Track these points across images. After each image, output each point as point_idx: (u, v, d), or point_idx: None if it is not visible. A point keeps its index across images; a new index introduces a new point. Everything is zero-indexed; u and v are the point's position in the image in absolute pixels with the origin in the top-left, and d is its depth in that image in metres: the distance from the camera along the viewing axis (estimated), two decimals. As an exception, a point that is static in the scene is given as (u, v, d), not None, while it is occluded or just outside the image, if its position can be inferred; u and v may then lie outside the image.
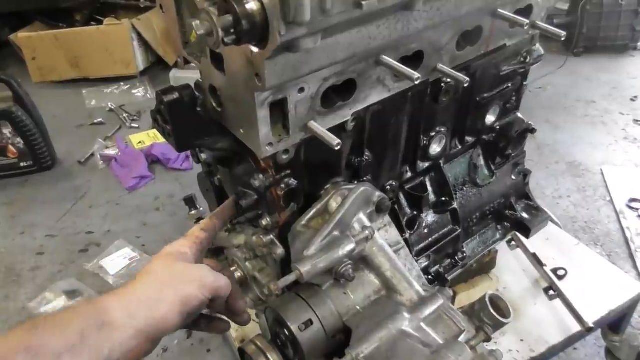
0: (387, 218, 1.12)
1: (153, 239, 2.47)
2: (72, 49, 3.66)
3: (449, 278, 1.38)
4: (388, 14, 0.83)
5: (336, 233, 1.00)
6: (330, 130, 0.95)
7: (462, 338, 0.92)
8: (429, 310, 0.97)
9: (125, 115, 3.45)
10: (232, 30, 0.67)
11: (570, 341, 1.53)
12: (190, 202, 1.38)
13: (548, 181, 2.85)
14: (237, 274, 1.23)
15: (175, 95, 0.86)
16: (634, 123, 3.35)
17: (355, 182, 1.13)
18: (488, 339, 0.93)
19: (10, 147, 2.78)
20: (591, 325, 1.43)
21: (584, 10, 3.97)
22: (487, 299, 0.98)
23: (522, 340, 1.50)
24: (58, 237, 2.51)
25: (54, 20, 3.79)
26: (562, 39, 1.15)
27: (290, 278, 0.92)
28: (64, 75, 3.79)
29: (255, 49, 0.74)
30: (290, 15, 0.65)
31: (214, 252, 1.39)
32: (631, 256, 2.34)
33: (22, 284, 2.28)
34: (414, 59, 1.02)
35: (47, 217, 2.63)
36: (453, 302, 1.59)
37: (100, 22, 3.76)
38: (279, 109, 0.88)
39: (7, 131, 2.74)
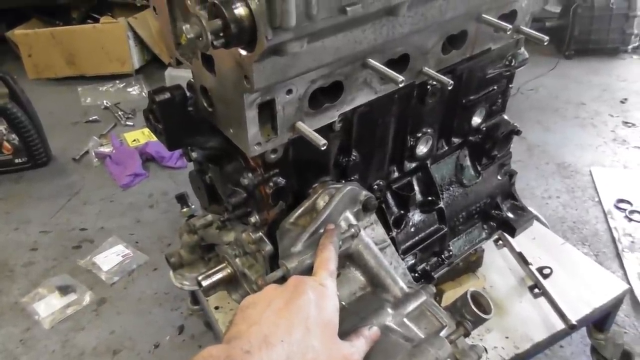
0: (373, 217, 1.15)
1: (146, 235, 2.49)
2: (68, 46, 3.67)
3: (436, 276, 1.41)
4: (373, 19, 0.86)
5: (322, 230, 1.03)
6: (318, 130, 0.98)
7: (443, 333, 0.95)
8: (412, 306, 1.00)
9: (120, 113, 3.46)
10: (221, 34, 0.70)
11: (555, 339, 1.57)
12: (182, 199, 1.41)
13: (538, 182, 2.89)
14: (227, 271, 1.27)
15: (167, 95, 0.88)
16: (623, 125, 3.39)
17: (343, 182, 1.16)
18: (467, 334, 0.95)
19: (5, 144, 2.79)
20: (574, 322, 1.47)
21: (575, 13, 4.02)
22: (468, 296, 1.01)
23: (507, 337, 1.53)
24: (52, 234, 2.53)
25: (51, 17, 3.80)
26: (545, 43, 1.19)
27: (277, 274, 0.95)
28: (60, 72, 3.81)
29: (244, 52, 0.77)
30: (277, 20, 0.67)
31: (205, 249, 1.42)
32: (618, 256, 2.39)
33: (15, 279, 2.30)
34: (400, 62, 1.05)
35: (41, 214, 2.65)
36: (440, 300, 1.63)
37: (96, 20, 3.78)
38: (267, 110, 0.91)
39: (2, 127, 2.76)
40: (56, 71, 3.80)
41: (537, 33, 1.23)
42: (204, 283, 1.25)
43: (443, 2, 0.97)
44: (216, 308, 1.63)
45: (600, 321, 1.73)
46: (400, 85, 0.93)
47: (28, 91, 2.92)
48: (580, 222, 2.62)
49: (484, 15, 1.12)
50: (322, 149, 0.90)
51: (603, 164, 3.03)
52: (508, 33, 1.12)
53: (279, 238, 1.06)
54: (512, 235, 1.54)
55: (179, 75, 3.36)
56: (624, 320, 2.08)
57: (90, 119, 3.46)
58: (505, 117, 1.49)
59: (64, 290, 2.21)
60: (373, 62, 0.96)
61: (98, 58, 3.76)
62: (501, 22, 1.11)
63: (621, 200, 2.68)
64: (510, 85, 1.44)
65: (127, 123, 3.38)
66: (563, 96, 3.74)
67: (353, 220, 1.08)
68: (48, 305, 2.16)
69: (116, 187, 2.83)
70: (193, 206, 1.46)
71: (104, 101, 3.58)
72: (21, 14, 3.80)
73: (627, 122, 3.41)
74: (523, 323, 1.57)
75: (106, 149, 3.06)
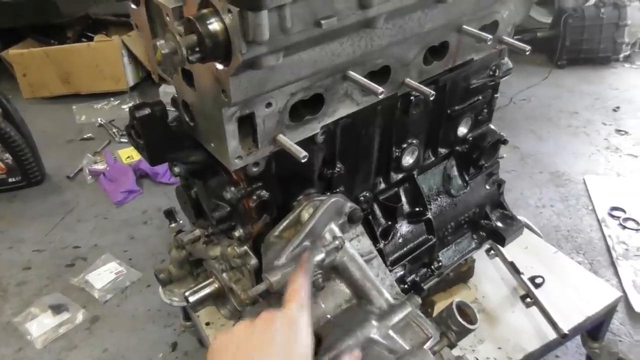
0: (359, 228, 1.15)
1: (140, 252, 2.48)
2: (63, 65, 3.69)
3: (425, 287, 1.41)
4: (350, 32, 0.87)
5: (307, 243, 1.03)
6: (300, 143, 0.98)
7: (428, 344, 0.95)
8: (397, 317, 1.00)
9: (114, 130, 3.47)
10: (197, 49, 0.71)
11: (548, 348, 1.56)
12: (170, 215, 1.41)
13: (532, 191, 2.89)
14: (215, 285, 1.26)
15: (147, 110, 0.89)
16: (615, 133, 3.40)
17: (328, 194, 1.16)
18: (452, 345, 0.95)
19: (-1, 163, 2.80)
20: (566, 332, 1.46)
21: (566, 23, 4.06)
22: (454, 306, 1.01)
23: (499, 348, 1.52)
24: (45, 252, 2.52)
25: (45, 36, 3.83)
26: (527, 53, 1.20)
27: (260, 287, 0.95)
28: (55, 91, 3.83)
29: (220, 67, 0.77)
30: (250, 34, 0.68)
31: (194, 264, 1.42)
32: (612, 264, 2.38)
33: (8, 298, 2.28)
34: (382, 74, 1.06)
35: (34, 232, 2.64)
36: (432, 311, 1.62)
37: (91, 39, 3.80)
38: (248, 123, 0.91)
39: (-5, 147, 2.76)
40: (51, 90, 3.82)
41: (519, 43, 1.24)
42: (191, 298, 1.25)
43: (421, 14, 0.98)
44: (207, 324, 1.61)
45: (594, 330, 1.72)
46: (381, 97, 0.94)
47: (23, 110, 2.93)
48: (575, 230, 2.61)
49: (464, 27, 1.13)
50: (303, 161, 0.90)
51: (597, 172, 3.03)
52: (489, 43, 1.13)
53: (264, 251, 1.06)
54: (502, 244, 1.54)
55: (173, 92, 3.38)
56: (619, 328, 2.06)
57: (85, 136, 3.46)
58: (492, 126, 1.50)
59: (57, 309, 2.20)
60: (353, 74, 0.97)
61: (93, 76, 3.78)
62: (482, 33, 1.12)
63: (615, 208, 2.68)
64: (495, 95, 1.45)
65: (122, 140, 3.39)
66: (556, 105, 3.75)
67: (338, 233, 1.08)
68: (40, 325, 2.14)
69: (110, 204, 2.83)
70: (181, 221, 1.45)
71: (99, 119, 3.59)
72: (16, 34, 3.83)
73: (619, 130, 3.42)
74: (515, 333, 1.56)
75: (100, 166, 3.07)
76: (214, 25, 0.70)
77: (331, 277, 1.06)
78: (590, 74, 4.14)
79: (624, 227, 2.57)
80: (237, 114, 0.86)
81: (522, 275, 1.66)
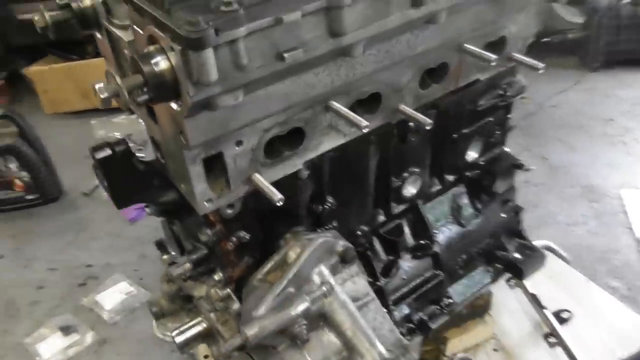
0: (354, 268, 1.05)
1: (151, 271, 2.44)
2: (83, 80, 3.71)
3: (434, 326, 1.29)
4: (326, 61, 0.78)
5: (291, 289, 0.94)
6: (283, 179, 0.90)
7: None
8: (389, 375, 0.90)
9: (131, 144, 3.46)
10: (144, 89, 0.63)
11: (574, 392, 1.42)
12: (161, 246, 1.34)
13: (561, 207, 2.71)
14: (203, 325, 1.18)
15: (107, 151, 0.82)
16: None
17: (320, 230, 1.07)
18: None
19: (17, 181, 2.81)
20: (592, 377, 1.32)
21: (600, 23, 3.83)
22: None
23: (518, 391, 1.40)
24: (58, 271, 2.51)
25: (66, 52, 3.87)
26: (540, 71, 1.08)
27: (235, 342, 0.86)
28: (75, 106, 3.86)
29: (175, 106, 0.69)
30: (194, 75, 0.60)
31: (185, 299, 1.35)
32: None
33: (20, 318, 2.27)
34: (372, 101, 0.96)
35: (49, 250, 2.64)
36: (444, 348, 1.50)
37: (110, 53, 3.82)
38: (218, 163, 0.83)
39: (13, 165, 2.78)
40: (72, 105, 3.85)
41: (531, 60, 1.12)
42: (178, 339, 1.17)
43: (411, 36, 0.88)
44: (205, 357, 1.54)
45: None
46: (365, 131, 0.84)
47: (44, 126, 2.96)
48: (610, 251, 2.42)
49: (465, 46, 1.02)
50: (278, 204, 0.81)
51: (635, 185, 2.82)
52: (493, 64, 1.01)
53: (244, 297, 0.98)
54: (520, 278, 1.40)
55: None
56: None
57: (104, 151, 3.47)
58: (506, 149, 1.37)
59: (66, 330, 2.18)
60: (336, 104, 0.87)
61: (113, 90, 3.79)
62: (485, 53, 1.01)
63: None
64: (508, 115, 1.32)
65: (139, 154, 3.36)
66: (589, 112, 3.53)
67: (327, 275, 0.98)
68: (50, 346, 2.12)
69: (124, 221, 2.80)
70: (174, 253, 1.38)
71: (116, 133, 3.59)
72: (37, 50, 3.89)
73: None
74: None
75: (117, 182, 3.05)
76: (160, 65, 0.62)
77: (319, 325, 0.97)
78: (627, 76, 3.89)
79: (664, 247, 2.37)
80: (202, 154, 0.77)
81: (545, 311, 1.52)
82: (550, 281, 1.68)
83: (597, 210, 2.68)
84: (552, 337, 1.45)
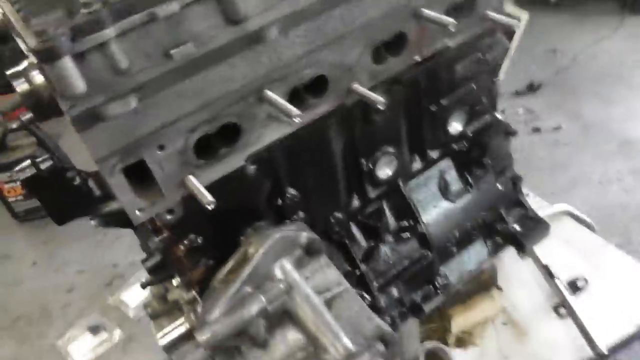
0: (323, 259, 1.00)
1: (173, 267, 2.48)
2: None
3: (428, 308, 1.23)
4: (238, 51, 0.72)
5: (248, 289, 0.90)
6: (229, 178, 0.85)
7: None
8: (354, 371, 0.85)
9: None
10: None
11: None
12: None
13: (595, 165, 2.54)
14: (186, 326, 1.17)
15: (31, 171, 0.80)
16: None
17: (287, 222, 1.02)
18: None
19: (43, 188, 2.91)
20: (604, 352, 1.22)
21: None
22: (421, 355, 0.84)
23: (529, 369, 1.32)
24: (87, 272, 2.60)
25: None
26: (515, 30, 0.97)
27: (187, 349, 0.84)
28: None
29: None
30: (58, 88, 0.56)
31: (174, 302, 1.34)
32: None
33: (52, 322, 2.38)
34: (320, 84, 0.90)
35: (78, 253, 2.74)
36: (449, 326, 1.43)
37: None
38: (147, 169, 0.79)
39: (37, 173, 2.87)
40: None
41: (508, 19, 1.02)
42: (162, 342, 1.17)
43: (344, 10, 0.80)
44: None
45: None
46: (296, 121, 0.78)
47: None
48: None
49: (422, 10, 0.93)
50: (210, 207, 0.77)
51: None
52: (452, 30, 0.92)
53: (203, 300, 0.95)
54: (522, 251, 1.31)
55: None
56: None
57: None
58: (498, 115, 1.27)
59: (95, 330, 2.26)
60: (269, 94, 0.81)
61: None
62: (443, 17, 0.92)
63: None
64: (495, 79, 1.22)
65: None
66: (629, 61, 3.25)
67: (290, 270, 0.94)
68: (80, 346, 2.21)
69: (147, 218, 2.86)
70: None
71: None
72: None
73: None
74: (550, 349, 1.34)
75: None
76: (35, 80, 0.58)
77: (283, 322, 0.93)
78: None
79: None
80: (119, 165, 0.74)
81: (558, 281, 1.42)
82: (568, 247, 1.57)
83: (634, 167, 2.49)
84: (562, 308, 1.35)
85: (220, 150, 0.84)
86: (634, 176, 2.44)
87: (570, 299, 1.36)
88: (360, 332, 0.95)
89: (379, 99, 0.88)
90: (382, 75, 0.97)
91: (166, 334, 1.17)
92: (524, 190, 1.33)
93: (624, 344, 1.30)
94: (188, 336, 1.18)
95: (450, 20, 0.91)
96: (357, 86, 0.92)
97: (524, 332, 1.38)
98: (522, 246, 1.30)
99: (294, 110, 0.77)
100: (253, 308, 0.86)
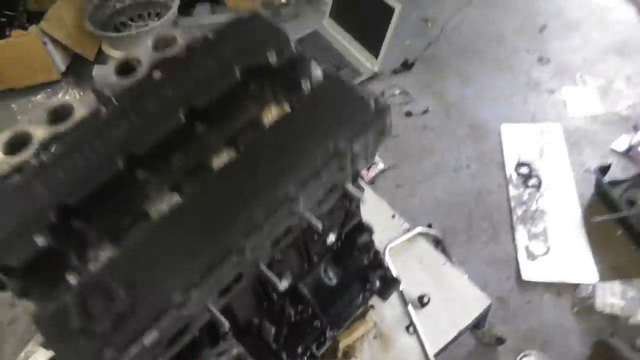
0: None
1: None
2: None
3: (320, 353, 1.80)
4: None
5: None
6: None
7: None
8: None
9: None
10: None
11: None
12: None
13: (451, 152, 2.93)
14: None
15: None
16: (537, 63, 3.33)
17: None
18: None
19: None
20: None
21: None
22: None
23: (388, 372, 1.96)
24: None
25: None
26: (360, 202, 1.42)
27: None
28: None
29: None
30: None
31: None
32: (512, 228, 2.63)
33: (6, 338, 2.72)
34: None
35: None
36: (337, 350, 2.03)
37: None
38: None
39: None
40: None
41: (357, 191, 1.45)
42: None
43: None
44: None
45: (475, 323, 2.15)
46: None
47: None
48: (486, 192, 2.74)
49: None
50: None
51: (513, 118, 3.03)
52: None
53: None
54: (384, 300, 1.89)
55: (106, 74, 3.41)
56: (508, 295, 2.48)
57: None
58: (361, 218, 1.74)
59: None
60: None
61: (22, 71, 3.76)
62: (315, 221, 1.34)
63: (521, 164, 2.78)
64: (355, 208, 1.67)
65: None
66: (485, 31, 3.55)
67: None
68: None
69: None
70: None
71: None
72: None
73: (541, 58, 3.37)
74: (404, 355, 1.99)
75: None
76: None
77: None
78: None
79: (527, 186, 2.71)
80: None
81: (408, 307, 2.03)
82: (420, 266, 2.18)
83: (480, 151, 2.89)
84: (410, 327, 1.98)
85: None
86: (479, 162, 2.80)
87: (418, 313, 1.98)
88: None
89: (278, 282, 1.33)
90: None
91: None
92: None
93: (445, 347, 1.97)
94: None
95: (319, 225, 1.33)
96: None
97: (388, 343, 2.01)
98: (383, 297, 1.87)
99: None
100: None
